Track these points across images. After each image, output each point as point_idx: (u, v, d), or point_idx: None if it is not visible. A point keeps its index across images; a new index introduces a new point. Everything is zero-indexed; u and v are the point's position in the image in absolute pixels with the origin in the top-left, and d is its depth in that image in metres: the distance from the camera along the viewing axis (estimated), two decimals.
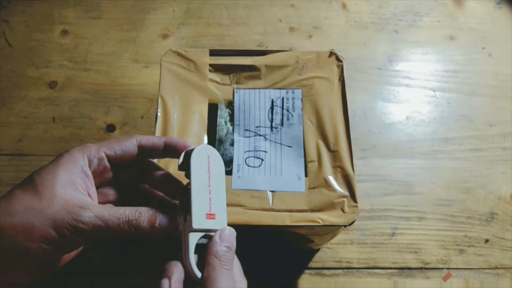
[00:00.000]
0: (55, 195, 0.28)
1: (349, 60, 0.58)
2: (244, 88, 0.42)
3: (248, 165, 0.39)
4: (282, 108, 0.42)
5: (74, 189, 0.30)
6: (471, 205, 0.51)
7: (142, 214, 0.30)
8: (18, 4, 0.59)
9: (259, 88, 0.42)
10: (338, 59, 0.43)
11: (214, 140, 0.40)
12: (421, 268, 0.48)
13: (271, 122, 0.41)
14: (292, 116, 0.41)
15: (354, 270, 0.48)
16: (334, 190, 0.37)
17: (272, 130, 0.41)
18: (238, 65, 0.43)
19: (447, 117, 0.56)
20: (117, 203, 0.33)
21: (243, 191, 0.38)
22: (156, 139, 0.34)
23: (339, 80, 0.42)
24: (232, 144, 0.40)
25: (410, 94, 0.57)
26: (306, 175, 0.38)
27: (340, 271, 0.48)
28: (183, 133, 0.39)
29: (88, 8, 0.60)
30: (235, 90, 0.42)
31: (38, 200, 0.28)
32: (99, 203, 0.32)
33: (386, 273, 0.48)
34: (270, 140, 0.40)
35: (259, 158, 0.40)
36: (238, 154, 0.40)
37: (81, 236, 0.28)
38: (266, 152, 0.40)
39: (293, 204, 0.37)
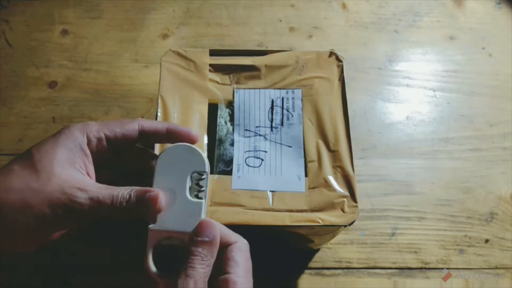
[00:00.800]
0: (53, 174, 0.28)
1: (349, 60, 0.58)
2: (244, 88, 0.42)
3: (248, 165, 0.39)
4: (282, 108, 0.42)
5: (73, 168, 0.30)
6: (471, 205, 0.51)
7: (131, 193, 0.29)
8: (18, 4, 0.59)
9: (259, 88, 0.42)
10: (338, 59, 0.43)
11: (214, 140, 0.40)
12: (421, 268, 0.48)
13: (271, 122, 0.41)
14: (292, 116, 0.41)
15: (354, 270, 0.48)
16: (334, 190, 0.37)
17: (272, 130, 0.41)
18: (238, 65, 0.43)
19: (447, 117, 0.56)
20: (115, 183, 0.31)
21: (243, 191, 0.38)
22: (159, 124, 0.34)
23: (339, 80, 0.42)
24: (232, 144, 0.40)
25: (410, 94, 0.57)
26: (306, 175, 0.38)
27: (340, 271, 0.48)
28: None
29: (88, 8, 0.60)
30: (235, 90, 0.42)
31: (36, 178, 0.28)
32: (97, 181, 0.32)
33: (386, 273, 0.48)
34: (270, 140, 0.40)
35: (259, 158, 0.40)
36: (238, 154, 0.40)
37: (76, 216, 0.28)
38: (266, 152, 0.40)
39: (293, 204, 0.37)
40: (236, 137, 0.41)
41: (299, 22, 0.60)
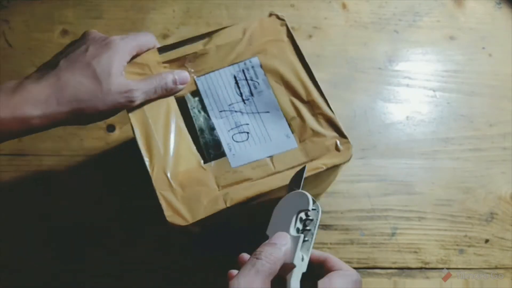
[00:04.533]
0: (112, 83, 0.38)
1: (349, 60, 0.58)
2: (204, 74, 0.43)
3: (237, 141, 0.41)
4: (246, 79, 0.43)
5: (123, 76, 0.40)
6: (471, 205, 0.51)
7: (166, 78, 0.41)
8: (18, 4, 0.59)
9: (218, 69, 0.43)
10: (279, 18, 0.45)
11: (195, 131, 0.41)
12: (421, 268, 0.48)
13: (241, 95, 0.42)
14: (258, 83, 0.43)
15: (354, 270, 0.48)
16: (322, 135, 0.40)
17: (245, 103, 0.42)
18: (190, 54, 0.43)
19: (447, 117, 0.56)
20: None
21: (243, 166, 0.39)
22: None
23: (287, 36, 0.44)
24: (213, 129, 0.41)
25: (410, 94, 0.57)
26: (292, 132, 0.40)
27: None
28: (166, 136, 0.40)
29: (88, 8, 0.60)
30: (196, 79, 0.43)
31: (100, 89, 0.38)
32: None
33: (386, 273, 0.48)
34: (247, 113, 0.42)
35: (244, 132, 0.41)
36: (223, 134, 0.41)
37: (130, 108, 0.40)
38: (248, 124, 0.41)
39: (293, 161, 0.39)
40: (214, 120, 0.42)
41: (299, 22, 0.60)
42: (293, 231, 0.34)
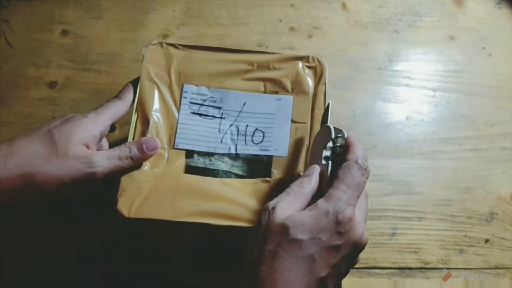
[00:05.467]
0: (70, 148, 0.37)
1: (349, 60, 0.58)
2: None
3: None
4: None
5: (85, 148, 0.38)
6: (471, 205, 0.51)
7: (130, 146, 0.40)
8: (18, 4, 0.59)
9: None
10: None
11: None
12: (421, 268, 0.48)
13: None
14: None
15: (354, 270, 0.48)
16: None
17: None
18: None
19: (447, 117, 0.56)
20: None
21: None
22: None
23: None
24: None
25: (410, 94, 0.57)
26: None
27: None
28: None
29: (88, 8, 0.60)
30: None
31: (55, 153, 0.36)
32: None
33: (386, 273, 0.48)
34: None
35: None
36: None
37: (93, 180, 0.38)
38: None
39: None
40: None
41: (299, 22, 0.60)
42: (323, 161, 0.38)
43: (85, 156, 0.37)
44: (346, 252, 0.33)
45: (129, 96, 0.44)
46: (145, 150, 0.40)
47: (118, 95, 0.44)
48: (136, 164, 0.40)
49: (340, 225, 0.32)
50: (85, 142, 0.38)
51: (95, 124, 0.40)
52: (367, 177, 0.36)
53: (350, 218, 0.33)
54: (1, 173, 0.34)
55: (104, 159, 0.38)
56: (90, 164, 0.37)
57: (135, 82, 0.45)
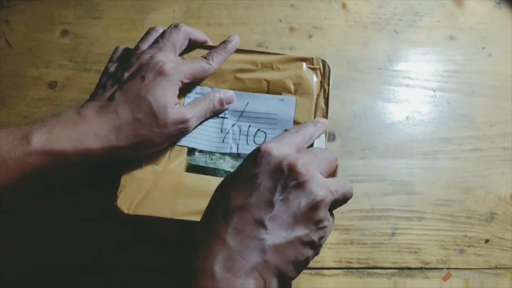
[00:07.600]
0: (168, 116, 0.40)
1: (349, 60, 0.58)
2: None
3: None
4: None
5: (177, 106, 0.42)
6: (471, 205, 0.51)
7: (214, 100, 0.44)
8: (18, 4, 0.59)
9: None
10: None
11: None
12: (421, 268, 0.48)
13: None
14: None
15: (354, 270, 0.48)
16: None
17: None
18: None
19: (447, 117, 0.56)
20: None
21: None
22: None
23: None
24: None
25: (410, 94, 0.57)
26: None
27: (340, 271, 0.48)
28: None
29: (88, 8, 0.60)
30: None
31: (156, 123, 0.40)
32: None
33: (386, 273, 0.48)
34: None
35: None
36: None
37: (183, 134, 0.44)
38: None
39: None
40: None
41: (299, 22, 0.60)
42: None
43: (182, 121, 0.41)
44: (268, 177, 0.32)
45: (215, 64, 0.46)
46: (224, 104, 0.44)
47: (208, 58, 0.46)
48: (214, 116, 0.45)
49: (256, 158, 0.34)
50: (176, 100, 0.42)
51: (180, 77, 0.42)
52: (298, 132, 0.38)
53: (265, 151, 0.33)
54: (114, 143, 0.39)
55: (194, 118, 0.42)
56: (186, 128, 0.42)
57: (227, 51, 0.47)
